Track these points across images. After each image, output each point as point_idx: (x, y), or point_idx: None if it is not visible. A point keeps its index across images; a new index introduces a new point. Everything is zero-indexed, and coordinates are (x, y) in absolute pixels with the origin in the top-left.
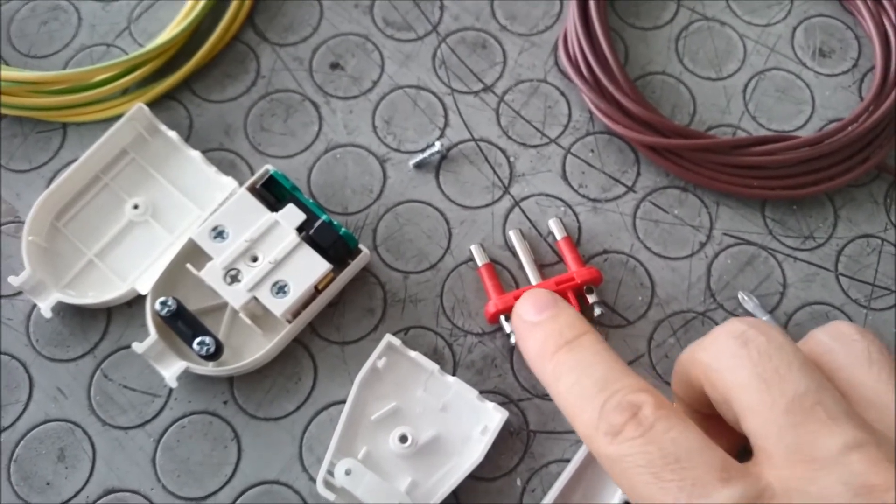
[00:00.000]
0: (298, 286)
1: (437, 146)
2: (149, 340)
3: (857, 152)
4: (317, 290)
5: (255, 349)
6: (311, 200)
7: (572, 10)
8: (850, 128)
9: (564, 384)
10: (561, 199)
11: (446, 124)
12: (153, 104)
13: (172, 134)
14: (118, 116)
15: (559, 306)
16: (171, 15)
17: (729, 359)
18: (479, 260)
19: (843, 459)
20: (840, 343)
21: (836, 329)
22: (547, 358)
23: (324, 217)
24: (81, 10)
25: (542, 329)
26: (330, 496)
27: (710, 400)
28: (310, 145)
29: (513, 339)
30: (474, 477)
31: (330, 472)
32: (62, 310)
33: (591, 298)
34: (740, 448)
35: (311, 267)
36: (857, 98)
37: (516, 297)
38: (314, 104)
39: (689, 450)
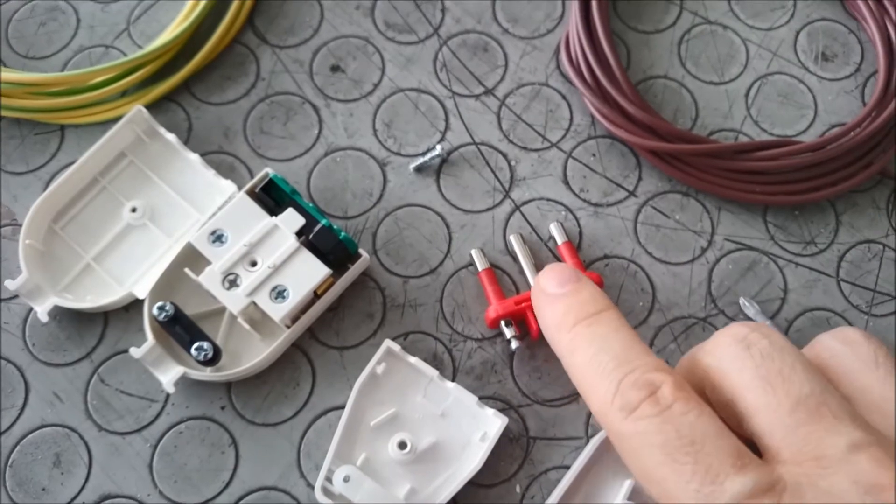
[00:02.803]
0: (298, 291)
1: (438, 150)
2: (146, 345)
3: (859, 158)
4: (316, 295)
5: (254, 354)
6: (310, 204)
7: (574, 13)
8: (852, 133)
9: (581, 357)
10: (562, 204)
11: (447, 128)
12: (152, 106)
13: (171, 136)
14: (117, 119)
15: (582, 281)
16: (170, 16)
17: (732, 361)
18: (480, 264)
19: (851, 458)
20: (847, 347)
21: (842, 334)
22: (565, 329)
23: (323, 221)
24: (80, 11)
25: (563, 301)
26: (328, 503)
27: (712, 403)
28: (310, 148)
29: (514, 346)
30: (474, 483)
31: (328, 479)
32: (59, 314)
33: None
34: None
35: (310, 272)
36: (860, 103)
37: (517, 303)
38: (314, 107)
39: (706, 434)
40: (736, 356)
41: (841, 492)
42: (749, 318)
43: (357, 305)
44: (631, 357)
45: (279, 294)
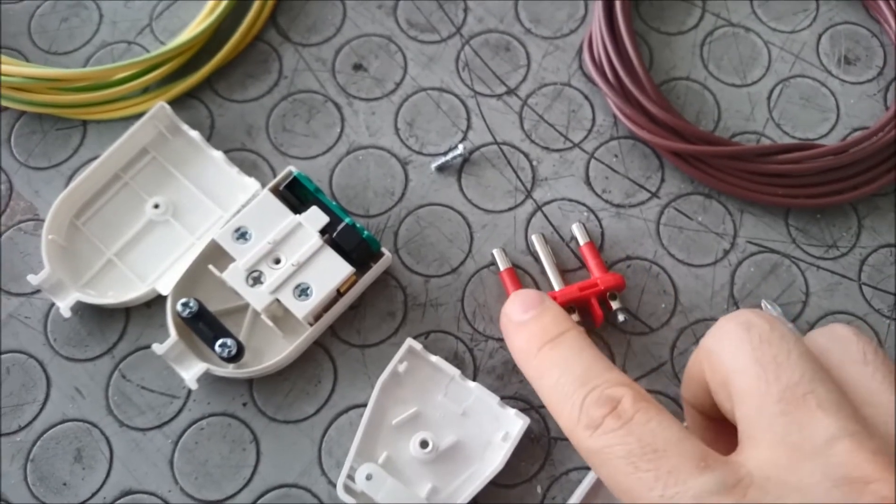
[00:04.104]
0: (321, 289)
1: (460, 149)
2: (169, 341)
3: (881, 161)
4: (339, 293)
5: (276, 351)
6: (334, 203)
7: (597, 14)
8: (875, 137)
9: (547, 381)
10: (584, 204)
11: (469, 127)
12: (174, 103)
13: (194, 133)
14: (139, 115)
15: (544, 305)
16: (193, 13)
17: (731, 342)
18: (501, 264)
19: (827, 450)
20: (836, 343)
21: (832, 331)
22: (532, 356)
23: (347, 220)
24: (103, 6)
25: (527, 328)
26: (350, 500)
27: (711, 390)
28: (332, 147)
29: None
30: (495, 483)
31: (350, 477)
32: (80, 309)
33: (614, 305)
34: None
35: (333, 270)
36: (882, 106)
37: None
38: (336, 105)
39: (668, 440)
40: (735, 338)
41: (809, 485)
42: None
43: (379, 304)
44: (592, 375)
45: (302, 292)
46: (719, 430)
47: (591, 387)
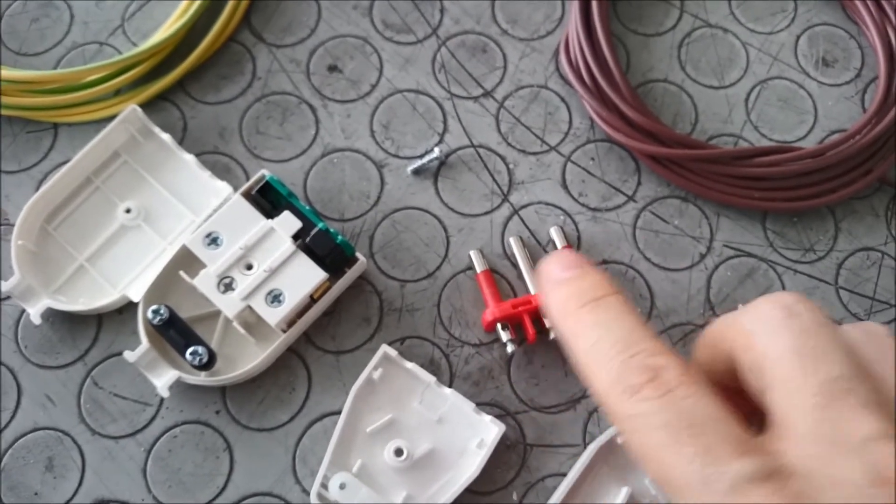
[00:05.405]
0: (294, 295)
1: (436, 152)
2: (140, 349)
3: (859, 164)
4: (312, 300)
5: (249, 359)
6: (307, 207)
7: (574, 15)
8: (853, 140)
9: (585, 341)
10: (560, 208)
11: (445, 130)
12: (146, 105)
13: (166, 136)
14: (110, 117)
15: (586, 267)
16: (165, 13)
17: (771, 327)
18: (478, 266)
19: (866, 448)
20: (871, 339)
21: (867, 327)
22: (570, 314)
23: (320, 225)
24: (74, 7)
25: (567, 286)
26: None
27: (738, 365)
28: (306, 149)
29: (510, 349)
30: (470, 491)
31: (324, 486)
32: (52, 316)
33: None
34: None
35: (306, 276)
36: (860, 108)
37: (514, 306)
38: (311, 107)
39: (708, 418)
40: (775, 324)
41: (847, 481)
42: None
43: (354, 309)
44: (633, 341)
45: (275, 298)
46: (729, 400)
47: (632, 352)
